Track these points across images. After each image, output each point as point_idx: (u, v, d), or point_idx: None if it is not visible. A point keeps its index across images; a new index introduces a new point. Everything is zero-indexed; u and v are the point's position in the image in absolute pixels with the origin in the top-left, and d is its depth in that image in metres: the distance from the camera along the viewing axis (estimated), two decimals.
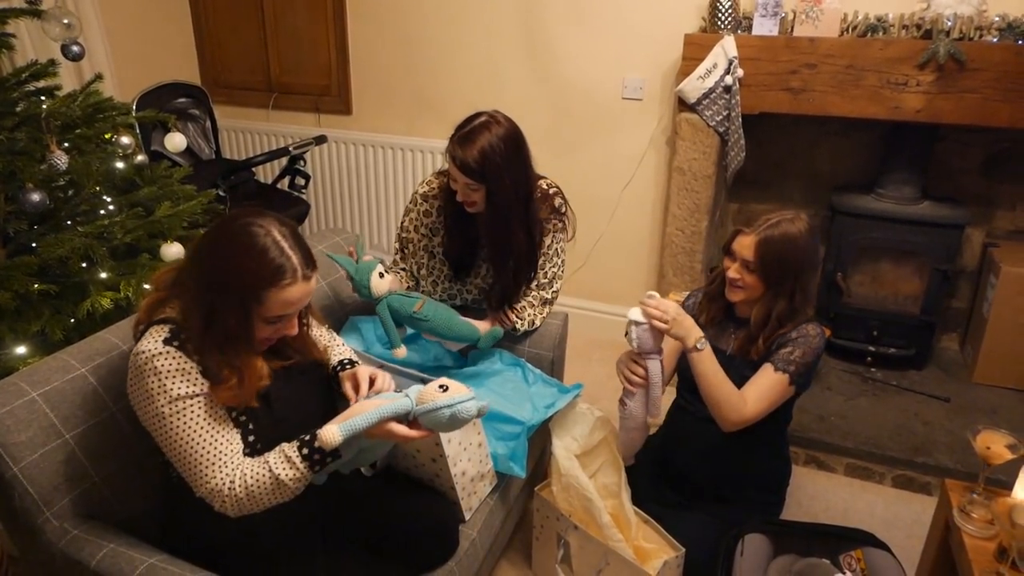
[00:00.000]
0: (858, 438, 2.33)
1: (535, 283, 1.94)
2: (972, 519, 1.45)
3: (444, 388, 1.20)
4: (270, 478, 1.15)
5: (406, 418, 1.20)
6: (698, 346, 1.60)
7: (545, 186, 1.90)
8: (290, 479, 1.15)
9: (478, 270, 1.93)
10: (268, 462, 1.17)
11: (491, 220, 1.77)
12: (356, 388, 1.36)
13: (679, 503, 1.80)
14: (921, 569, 1.71)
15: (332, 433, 1.13)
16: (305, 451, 1.16)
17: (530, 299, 1.94)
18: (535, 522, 1.82)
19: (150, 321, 1.19)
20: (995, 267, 2.53)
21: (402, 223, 1.95)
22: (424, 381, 1.61)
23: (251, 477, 1.16)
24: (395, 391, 1.35)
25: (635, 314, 1.60)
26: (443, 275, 1.94)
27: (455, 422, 1.19)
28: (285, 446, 1.18)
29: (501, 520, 1.70)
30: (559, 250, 1.94)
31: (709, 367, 1.61)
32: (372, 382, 1.36)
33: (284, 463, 1.16)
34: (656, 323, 1.59)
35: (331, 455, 1.17)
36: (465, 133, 1.69)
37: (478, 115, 1.72)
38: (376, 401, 1.21)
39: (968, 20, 2.25)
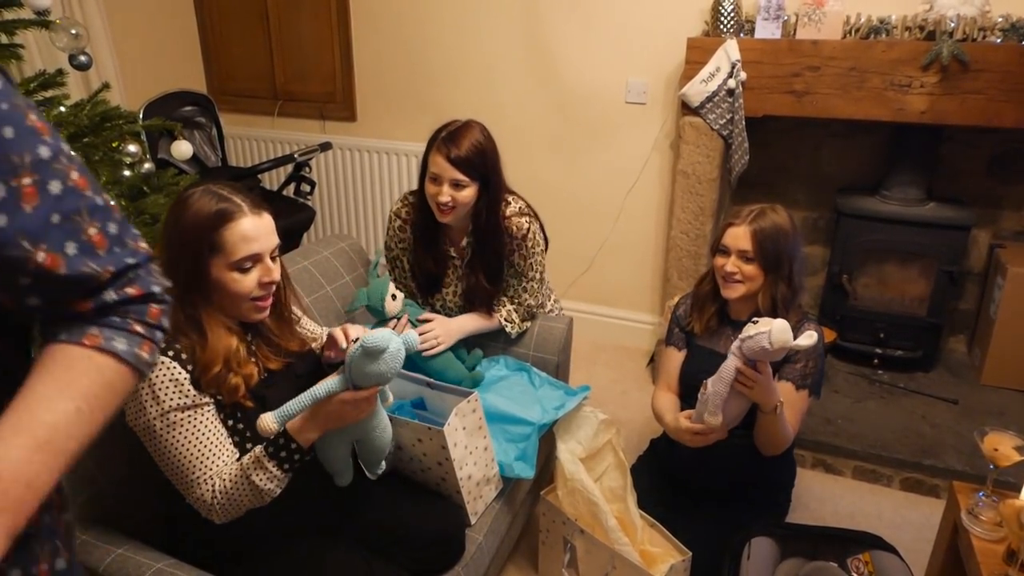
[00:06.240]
0: (865, 441, 2.32)
1: (517, 302, 1.94)
2: (980, 521, 1.44)
3: None
4: (245, 481, 1.17)
5: (350, 389, 1.19)
6: (779, 411, 1.60)
7: (512, 201, 1.87)
8: (261, 480, 1.17)
9: (451, 287, 1.93)
10: (242, 464, 1.18)
11: (487, 214, 1.78)
12: (330, 348, 1.37)
13: (683, 505, 1.80)
14: (930, 572, 1.70)
15: (266, 421, 1.14)
16: (271, 449, 1.18)
17: (515, 307, 1.94)
18: (541, 526, 1.82)
19: None
20: (1002, 268, 2.52)
21: (385, 243, 1.98)
22: (431, 387, 1.62)
23: (229, 482, 1.17)
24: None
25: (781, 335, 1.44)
26: (419, 292, 1.96)
27: (372, 356, 1.14)
28: (257, 448, 1.19)
29: (507, 524, 1.70)
30: (539, 277, 1.94)
31: (779, 425, 1.62)
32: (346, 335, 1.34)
33: (255, 465, 1.17)
34: (742, 386, 1.55)
35: (298, 451, 1.18)
36: (452, 131, 1.72)
37: (455, 120, 1.77)
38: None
39: (971, 21, 2.24)
